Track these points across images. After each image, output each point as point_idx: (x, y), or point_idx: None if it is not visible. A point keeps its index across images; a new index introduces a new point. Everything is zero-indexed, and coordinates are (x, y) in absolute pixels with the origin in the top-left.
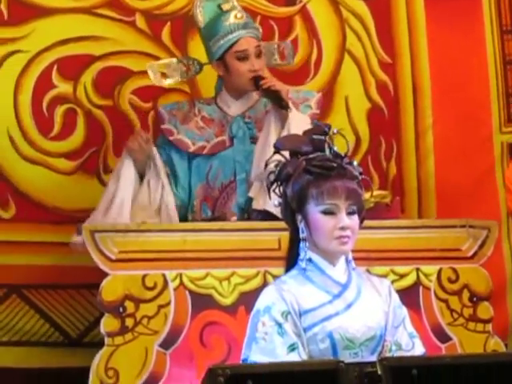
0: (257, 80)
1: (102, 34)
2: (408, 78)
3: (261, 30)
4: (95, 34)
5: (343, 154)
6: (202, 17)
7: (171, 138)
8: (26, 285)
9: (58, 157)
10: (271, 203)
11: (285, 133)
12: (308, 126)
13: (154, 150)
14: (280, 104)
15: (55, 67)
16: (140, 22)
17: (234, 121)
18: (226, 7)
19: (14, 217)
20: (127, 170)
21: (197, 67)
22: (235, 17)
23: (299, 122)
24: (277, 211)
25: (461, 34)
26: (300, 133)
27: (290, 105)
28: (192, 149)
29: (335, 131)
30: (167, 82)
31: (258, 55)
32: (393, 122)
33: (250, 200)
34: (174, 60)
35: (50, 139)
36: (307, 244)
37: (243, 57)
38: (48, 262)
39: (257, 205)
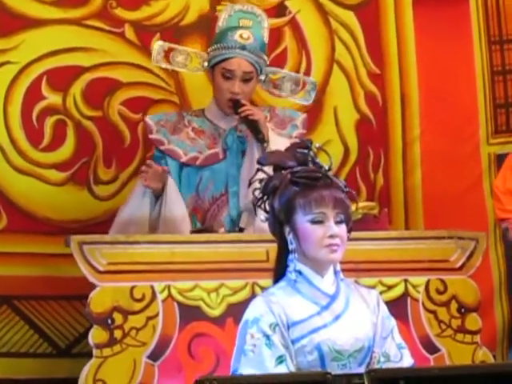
0: (236, 105)
1: (91, 45)
2: (396, 89)
3: (266, 60)
4: (84, 45)
5: (327, 167)
6: (221, 23)
7: (162, 148)
8: (16, 296)
9: (49, 168)
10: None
11: None
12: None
13: (170, 179)
14: (257, 137)
15: (44, 78)
16: (129, 32)
17: (229, 133)
18: (243, 23)
19: (5, 227)
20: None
21: (203, 65)
22: (241, 36)
23: (279, 146)
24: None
25: (449, 44)
26: None
27: (270, 131)
28: (184, 159)
29: (318, 146)
30: (163, 65)
31: (246, 80)
32: (381, 132)
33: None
34: (188, 49)
35: (40, 150)
36: (296, 255)
37: (228, 76)
38: (39, 273)
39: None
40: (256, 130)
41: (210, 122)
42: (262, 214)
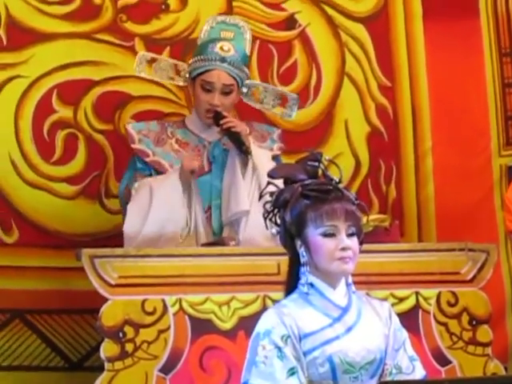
0: (217, 116)
1: (102, 58)
2: (407, 102)
3: (248, 73)
4: (94, 58)
5: (338, 180)
6: (203, 35)
7: (148, 160)
8: (28, 309)
9: (60, 181)
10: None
11: (249, 171)
12: (269, 159)
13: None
14: (240, 148)
15: (55, 92)
16: (139, 46)
17: (216, 145)
18: (224, 34)
19: (17, 241)
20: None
21: (186, 76)
22: (221, 48)
23: (261, 157)
24: None
25: (460, 57)
26: (264, 167)
27: (252, 144)
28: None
29: (328, 159)
30: (145, 75)
31: (226, 93)
32: (392, 145)
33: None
34: (170, 60)
35: (51, 164)
36: (308, 268)
37: (207, 88)
38: (50, 286)
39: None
40: (239, 142)
41: (193, 134)
42: (273, 228)
